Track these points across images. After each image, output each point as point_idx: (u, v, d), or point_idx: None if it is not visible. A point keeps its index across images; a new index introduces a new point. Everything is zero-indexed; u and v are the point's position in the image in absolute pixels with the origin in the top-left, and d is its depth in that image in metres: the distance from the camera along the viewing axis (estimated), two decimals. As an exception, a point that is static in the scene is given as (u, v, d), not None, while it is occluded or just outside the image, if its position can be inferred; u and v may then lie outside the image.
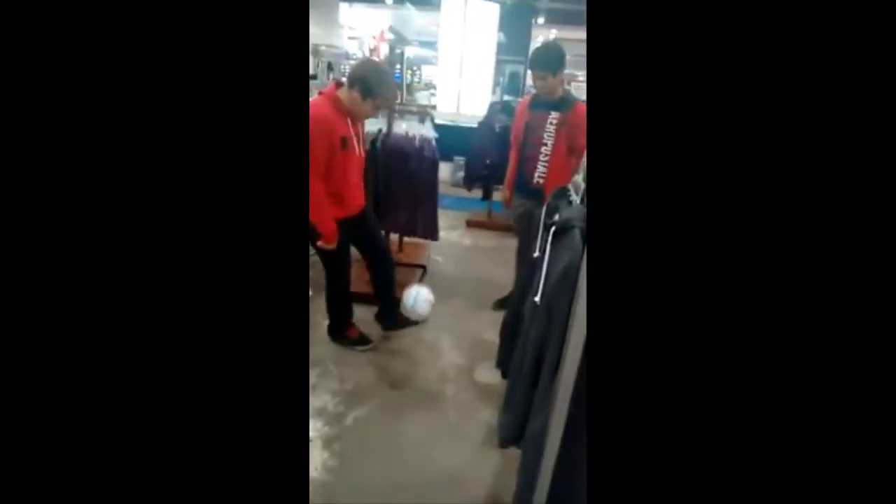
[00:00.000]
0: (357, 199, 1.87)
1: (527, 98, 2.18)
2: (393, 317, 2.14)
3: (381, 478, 1.43)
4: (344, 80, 1.72)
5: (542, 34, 4.73)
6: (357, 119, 1.71)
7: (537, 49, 2.00)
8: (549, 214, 1.00)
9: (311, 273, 2.19)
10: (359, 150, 1.77)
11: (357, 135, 1.73)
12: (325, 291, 1.97)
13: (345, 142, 1.65)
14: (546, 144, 2.01)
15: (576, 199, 1.00)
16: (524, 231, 2.20)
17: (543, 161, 2.03)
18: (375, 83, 1.62)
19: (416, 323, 2.17)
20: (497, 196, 3.25)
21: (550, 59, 1.90)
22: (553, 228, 0.93)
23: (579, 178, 1.01)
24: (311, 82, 2.82)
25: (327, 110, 1.62)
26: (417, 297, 2.03)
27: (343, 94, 1.66)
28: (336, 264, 1.88)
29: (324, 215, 1.67)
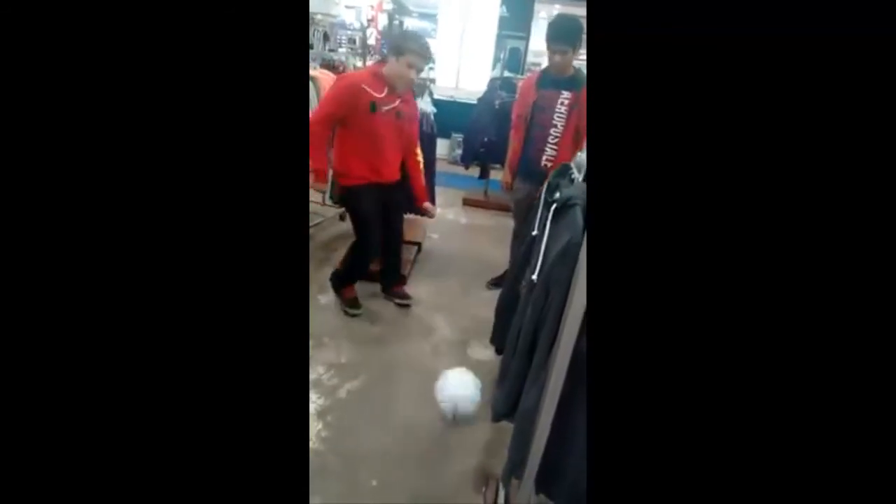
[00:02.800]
0: (388, 165, 1.91)
1: (534, 75, 2.04)
2: (393, 282, 2.24)
3: (374, 448, 1.46)
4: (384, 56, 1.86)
5: (544, 10, 4.60)
6: (398, 87, 1.78)
7: (555, 21, 1.87)
8: (551, 192, 0.99)
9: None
10: (396, 121, 1.83)
11: (394, 107, 1.80)
12: (350, 245, 2.07)
13: (374, 105, 1.73)
14: (556, 126, 1.90)
15: (578, 177, 0.99)
16: (524, 216, 2.08)
17: (553, 143, 1.91)
18: (402, 40, 1.74)
19: (406, 302, 2.22)
20: (495, 175, 3.22)
21: (571, 31, 1.78)
22: (554, 206, 0.92)
23: (582, 156, 1.00)
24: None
25: (362, 76, 1.78)
26: (455, 411, 1.55)
27: (386, 66, 1.77)
28: (363, 226, 1.95)
29: (318, 154, 1.79)
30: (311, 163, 1.80)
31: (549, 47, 1.83)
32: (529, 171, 2.01)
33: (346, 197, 1.95)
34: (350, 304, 2.10)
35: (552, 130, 1.91)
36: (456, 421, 1.55)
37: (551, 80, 1.90)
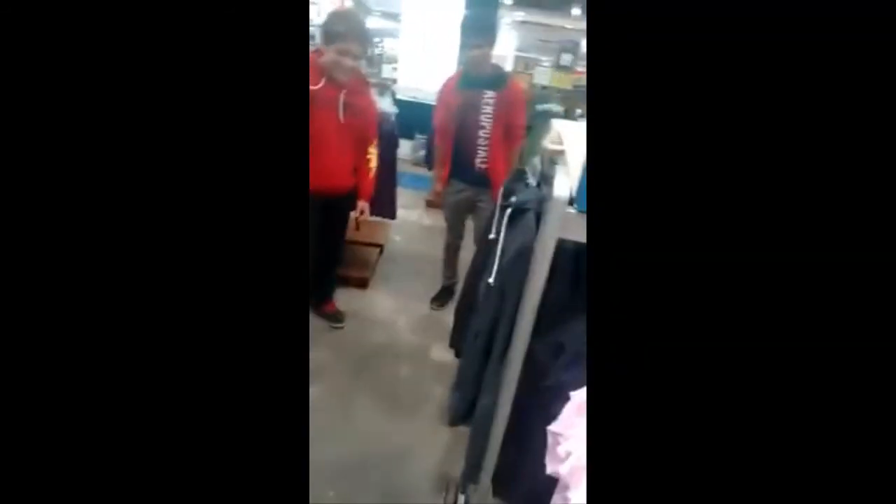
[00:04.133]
0: (332, 175, 1.64)
1: (452, 78, 1.92)
2: (323, 295, 2.06)
3: (330, 458, 1.42)
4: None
5: (508, 14, 4.67)
6: (337, 77, 1.52)
7: (467, 15, 1.81)
8: (506, 197, 1.00)
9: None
10: (342, 117, 1.58)
11: (335, 99, 1.55)
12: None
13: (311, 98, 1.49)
14: (484, 127, 1.81)
15: (532, 182, 1.00)
16: (460, 221, 2.07)
17: (483, 145, 1.83)
18: (333, 23, 1.47)
19: (340, 321, 2.06)
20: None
21: (485, 25, 1.73)
22: (509, 210, 0.93)
23: (537, 161, 1.01)
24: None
25: None
26: None
27: (323, 57, 1.53)
28: (322, 228, 1.77)
29: None
30: None
31: (463, 43, 1.79)
32: (463, 174, 1.92)
33: None
34: (332, 319, 2.01)
35: (481, 132, 1.82)
36: None
37: (471, 79, 1.81)
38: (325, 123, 1.56)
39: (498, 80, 1.81)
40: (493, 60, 1.86)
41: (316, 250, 1.88)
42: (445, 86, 1.93)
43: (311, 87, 1.48)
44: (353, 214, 1.92)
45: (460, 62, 4.61)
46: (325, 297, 2.06)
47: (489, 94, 1.79)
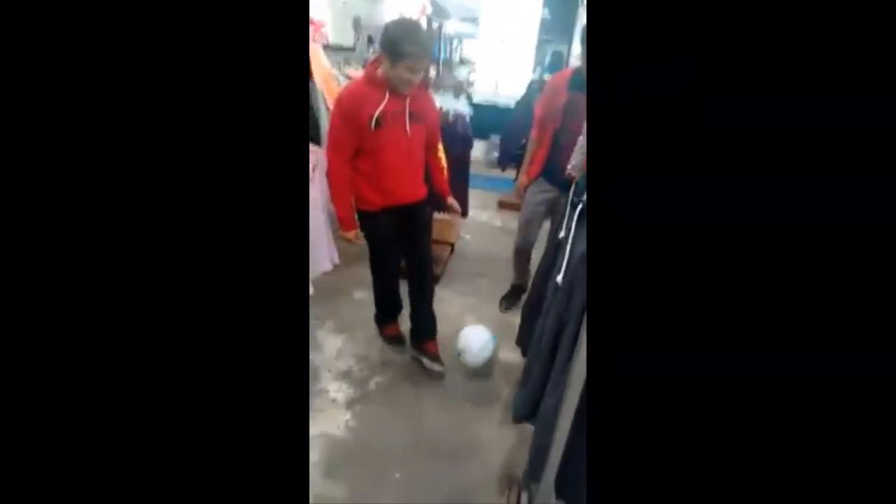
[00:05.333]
0: (405, 184, 1.61)
1: (565, 75, 1.82)
2: (423, 335, 1.86)
3: (399, 442, 1.49)
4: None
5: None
6: (400, 90, 1.46)
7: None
8: (578, 194, 0.99)
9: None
10: (409, 128, 1.52)
11: (403, 111, 1.49)
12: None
13: (377, 121, 1.44)
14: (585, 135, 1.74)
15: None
16: (538, 223, 2.00)
17: (580, 151, 1.67)
18: (401, 42, 1.37)
19: (440, 372, 1.82)
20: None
21: None
22: (580, 208, 0.92)
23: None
24: (350, 54, 2.81)
25: (358, 88, 1.48)
26: (465, 350, 1.77)
27: (382, 67, 1.46)
28: (378, 256, 1.71)
29: (340, 200, 1.56)
30: (336, 209, 1.57)
31: (583, 51, 1.66)
32: (552, 176, 1.85)
33: (361, 222, 1.64)
34: (391, 341, 1.95)
35: (581, 138, 1.67)
36: (466, 360, 1.76)
37: (583, 82, 1.70)
38: (396, 139, 1.52)
39: None
40: None
41: (409, 278, 1.81)
42: (556, 81, 1.85)
43: (379, 105, 1.44)
44: (437, 215, 1.89)
45: (537, 64, 4.55)
46: (424, 334, 1.86)
47: None
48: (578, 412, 0.87)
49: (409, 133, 1.53)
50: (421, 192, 1.68)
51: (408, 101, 1.50)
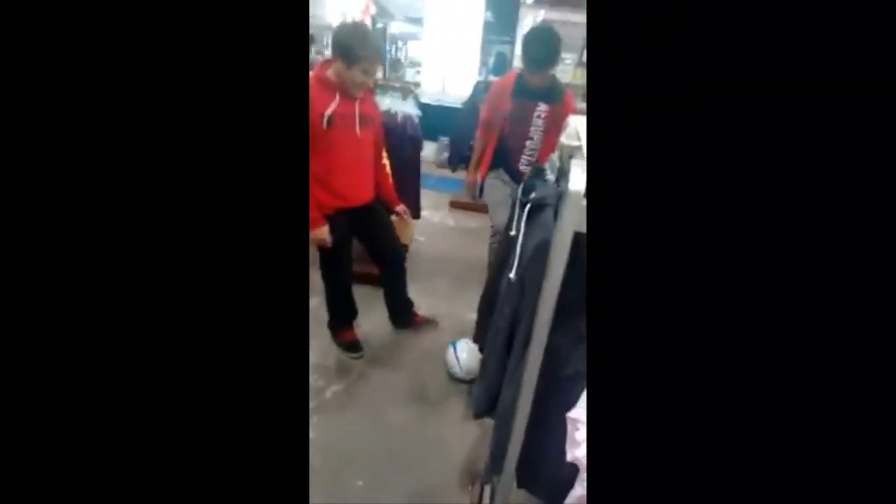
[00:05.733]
0: (355, 185, 1.63)
1: (508, 79, 1.86)
2: (406, 317, 2.03)
3: (360, 449, 1.47)
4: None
5: (530, 14, 4.66)
6: (351, 93, 1.50)
7: (530, 38, 1.68)
8: (526, 193, 1.02)
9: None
10: (359, 131, 1.55)
11: (353, 114, 1.52)
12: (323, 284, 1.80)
13: (329, 120, 1.46)
14: (532, 139, 1.79)
15: (551, 177, 1.02)
16: (503, 201, 1.96)
17: (529, 156, 1.82)
18: (355, 45, 1.42)
19: (434, 323, 2.09)
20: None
21: (548, 50, 1.62)
22: (528, 206, 0.95)
23: (555, 157, 1.03)
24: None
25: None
26: (459, 361, 1.82)
27: (331, 68, 1.49)
28: (330, 260, 1.71)
29: None
30: None
31: (526, 69, 1.69)
32: (504, 173, 1.91)
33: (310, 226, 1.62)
34: (348, 348, 1.89)
35: (528, 143, 1.80)
36: (462, 373, 1.79)
37: (526, 90, 1.75)
38: (346, 141, 1.54)
39: (553, 92, 1.74)
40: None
41: (380, 268, 1.87)
42: (497, 87, 1.88)
43: (330, 106, 1.46)
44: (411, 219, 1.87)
45: (482, 64, 4.63)
46: (408, 312, 2.05)
47: (542, 107, 1.74)
48: (535, 404, 0.90)
49: (359, 135, 1.55)
50: (370, 193, 1.70)
51: (357, 104, 1.52)
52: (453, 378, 1.82)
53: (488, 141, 1.91)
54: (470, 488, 1.37)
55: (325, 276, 1.77)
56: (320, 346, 1.92)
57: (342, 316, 1.90)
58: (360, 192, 1.66)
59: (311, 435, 1.50)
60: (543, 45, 1.64)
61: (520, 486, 1.09)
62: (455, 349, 1.82)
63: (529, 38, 1.69)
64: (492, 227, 2.16)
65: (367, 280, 2.23)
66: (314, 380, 1.74)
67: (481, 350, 1.53)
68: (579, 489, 0.78)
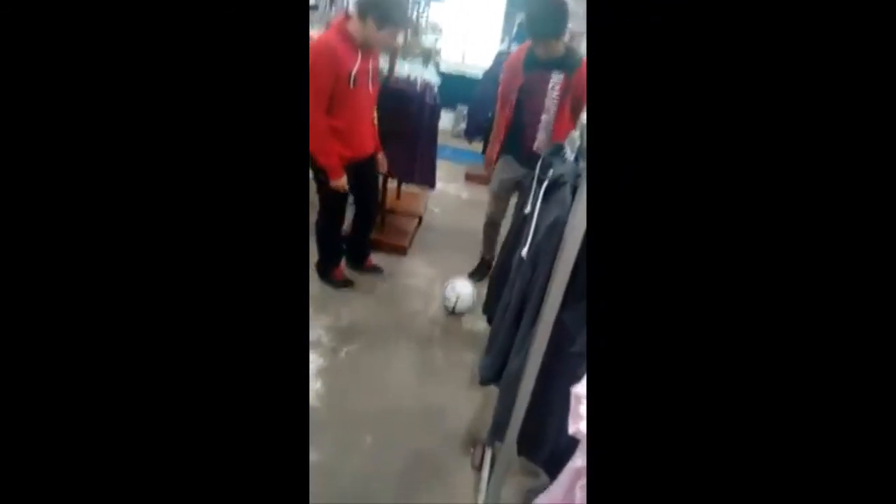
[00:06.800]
0: (367, 139, 1.79)
1: (520, 52, 1.79)
2: (362, 259, 2.21)
3: (369, 408, 1.54)
4: (352, 11, 1.57)
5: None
6: (372, 51, 1.60)
7: (532, 9, 1.63)
8: (544, 170, 1.03)
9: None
10: (371, 87, 1.67)
11: (368, 70, 1.62)
12: (315, 228, 1.94)
13: (354, 79, 1.54)
14: (549, 111, 1.73)
15: (570, 156, 1.02)
16: (506, 197, 2.04)
17: (545, 129, 1.76)
18: (392, 8, 1.49)
19: (380, 271, 2.25)
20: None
21: (551, 20, 1.57)
22: (545, 184, 0.96)
23: (575, 135, 1.02)
24: (311, 13, 2.68)
25: (335, 42, 1.51)
26: (459, 298, 2.03)
27: (353, 25, 1.52)
28: (333, 204, 1.85)
29: (327, 149, 1.61)
30: (322, 160, 1.62)
31: (531, 40, 1.64)
32: (519, 154, 1.88)
33: (319, 176, 1.73)
34: (341, 285, 2.08)
35: (543, 116, 1.74)
36: (455, 309, 2.02)
37: (538, 61, 1.69)
38: (363, 96, 1.64)
39: (568, 61, 1.66)
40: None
41: (358, 215, 2.04)
42: (511, 61, 1.84)
43: (354, 63, 1.52)
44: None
45: (505, 33, 4.48)
46: (366, 255, 2.23)
47: (556, 78, 1.68)
48: (540, 377, 0.94)
49: (370, 91, 1.69)
50: (376, 143, 1.88)
51: (370, 61, 1.62)
52: (449, 312, 2.04)
53: (503, 116, 1.89)
54: (472, 451, 1.44)
55: (323, 221, 1.92)
56: (336, 309, 1.98)
57: (332, 257, 2.06)
58: (370, 144, 1.81)
59: (324, 391, 1.57)
60: (545, 16, 1.58)
61: (520, 453, 1.14)
62: (454, 285, 2.04)
63: (531, 9, 1.64)
64: (486, 214, 2.18)
65: (393, 250, 2.35)
66: (328, 340, 1.80)
67: (489, 322, 1.57)
68: (578, 461, 0.82)
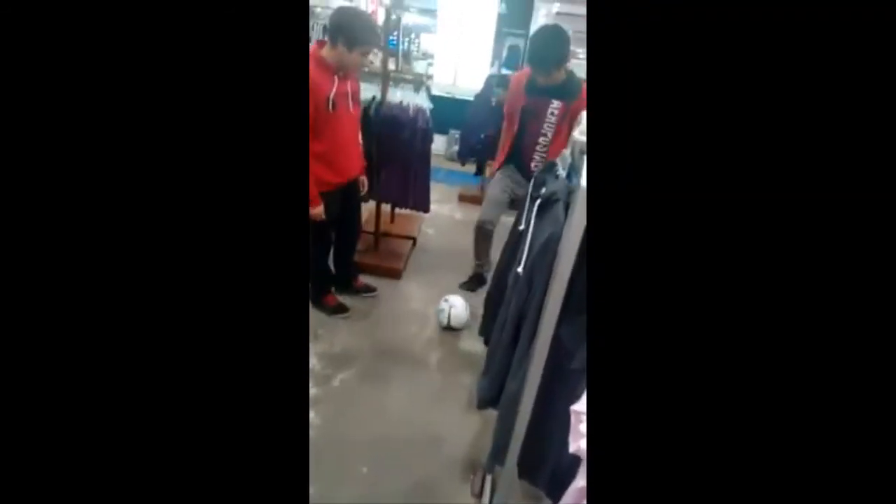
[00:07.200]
0: (352, 162, 1.80)
1: (523, 75, 1.88)
2: (350, 281, 2.19)
3: (365, 437, 1.49)
4: (326, 38, 1.62)
5: (544, 6, 4.61)
6: (348, 74, 1.63)
7: (536, 40, 1.69)
8: (537, 187, 1.03)
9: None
10: (351, 109, 1.70)
11: (347, 93, 1.65)
12: None
13: (333, 103, 1.57)
14: (545, 135, 1.81)
15: (562, 173, 1.02)
16: (498, 211, 2.06)
17: (542, 151, 1.85)
18: (358, 30, 1.53)
19: (373, 290, 2.24)
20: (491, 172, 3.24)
21: (554, 52, 1.63)
22: (539, 201, 0.96)
23: (567, 153, 1.03)
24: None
25: (310, 69, 1.53)
26: (452, 309, 2.04)
27: (327, 51, 1.57)
28: (319, 230, 1.83)
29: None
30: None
31: (532, 70, 1.71)
32: (515, 171, 1.95)
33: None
34: (335, 311, 2.05)
35: (541, 139, 1.83)
36: (450, 322, 2.03)
37: (540, 87, 1.77)
38: (344, 120, 1.65)
39: (567, 88, 1.72)
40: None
41: (341, 238, 2.03)
42: (516, 81, 1.91)
43: (331, 88, 1.55)
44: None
45: (494, 57, 4.60)
46: (354, 277, 2.22)
47: (555, 104, 1.75)
48: (539, 396, 0.92)
49: (352, 112, 1.71)
50: (361, 165, 1.90)
51: (348, 83, 1.65)
52: (444, 326, 2.04)
53: (509, 133, 1.96)
54: (472, 478, 1.39)
55: (311, 249, 1.88)
56: (330, 336, 1.95)
57: (325, 284, 2.05)
58: (354, 167, 1.83)
59: (318, 421, 1.53)
60: (547, 47, 1.65)
61: (521, 477, 1.10)
62: (448, 301, 2.06)
63: (534, 41, 1.71)
64: (479, 219, 2.17)
65: (388, 273, 2.31)
66: (322, 368, 1.76)
67: (486, 343, 1.55)
68: (580, 481, 0.79)
